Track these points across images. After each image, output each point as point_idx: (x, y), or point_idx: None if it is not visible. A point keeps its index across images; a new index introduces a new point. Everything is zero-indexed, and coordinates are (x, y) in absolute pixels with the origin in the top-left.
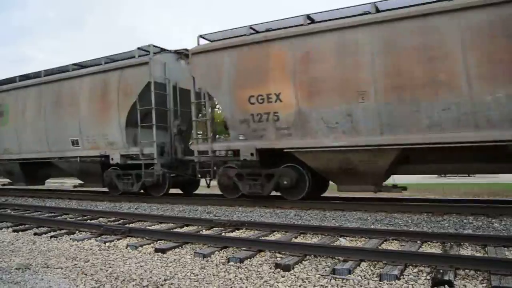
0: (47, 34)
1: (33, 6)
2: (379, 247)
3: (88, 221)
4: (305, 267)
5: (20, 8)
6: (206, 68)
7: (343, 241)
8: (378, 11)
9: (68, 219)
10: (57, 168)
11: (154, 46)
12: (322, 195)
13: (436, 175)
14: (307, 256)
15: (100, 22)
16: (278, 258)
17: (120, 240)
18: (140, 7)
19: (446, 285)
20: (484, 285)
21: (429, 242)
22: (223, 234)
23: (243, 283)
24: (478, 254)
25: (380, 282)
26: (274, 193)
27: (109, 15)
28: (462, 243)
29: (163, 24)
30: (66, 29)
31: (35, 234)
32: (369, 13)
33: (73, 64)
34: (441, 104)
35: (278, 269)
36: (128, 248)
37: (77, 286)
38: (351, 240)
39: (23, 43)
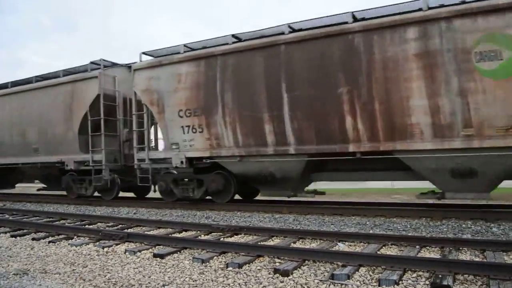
0: (40, 38)
1: (24, 10)
2: (378, 252)
3: (87, 226)
4: (304, 272)
5: (11, 12)
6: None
7: (342, 246)
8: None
9: (66, 224)
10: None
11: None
12: (321, 200)
13: None
14: (306, 261)
15: (92, 26)
16: (277, 263)
17: (119, 245)
18: (134, 11)
19: None
20: None
21: (428, 247)
22: (221, 239)
23: None
24: (477, 259)
25: None
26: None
27: (101, 19)
28: (461, 248)
29: (159, 28)
30: (59, 33)
31: (33, 239)
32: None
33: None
34: None
35: (277, 274)
36: (127, 253)
37: None
38: (350, 245)
39: (16, 47)
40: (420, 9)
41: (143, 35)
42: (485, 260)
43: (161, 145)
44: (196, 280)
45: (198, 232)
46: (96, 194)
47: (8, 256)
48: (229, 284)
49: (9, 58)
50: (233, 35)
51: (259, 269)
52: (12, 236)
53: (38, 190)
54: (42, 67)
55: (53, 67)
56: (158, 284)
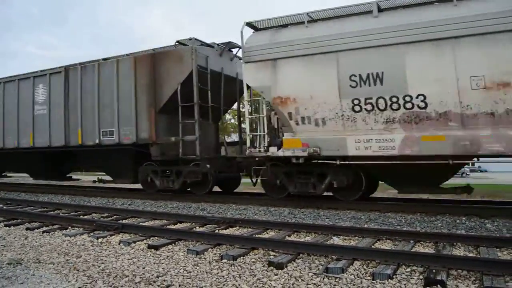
0: (32, 29)
1: (16, 1)
2: (372, 246)
3: (81, 216)
4: (298, 266)
5: (2, 4)
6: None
7: (337, 240)
8: None
9: (60, 214)
10: None
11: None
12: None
13: None
14: (301, 255)
15: (82, 17)
16: (272, 256)
17: (113, 236)
18: (122, 4)
19: (438, 285)
20: (476, 285)
21: (422, 242)
22: (216, 231)
23: (236, 281)
24: (471, 255)
25: (373, 281)
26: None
27: (91, 11)
28: (455, 243)
29: (153, 20)
30: (50, 25)
31: (27, 229)
32: None
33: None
34: None
35: (271, 267)
36: (121, 244)
37: (69, 281)
38: (345, 239)
39: (9, 38)
40: None
41: (135, 28)
42: (479, 256)
43: None
44: (190, 272)
45: (193, 224)
46: None
47: (1, 245)
48: (223, 276)
49: (2, 49)
50: None
51: (253, 262)
52: (6, 225)
53: None
54: (38, 59)
55: (49, 58)
56: (153, 275)
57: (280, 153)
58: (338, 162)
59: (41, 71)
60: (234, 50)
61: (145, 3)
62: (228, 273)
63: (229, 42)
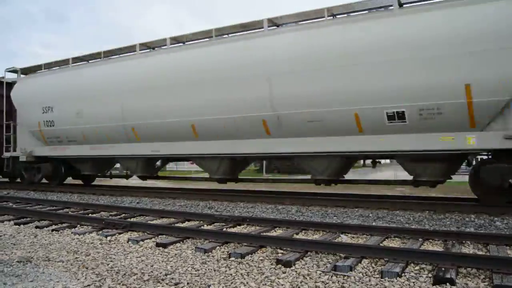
0: (33, 28)
1: (15, 1)
2: (381, 244)
3: (90, 215)
4: (306, 264)
5: (2, 3)
6: None
7: (345, 238)
8: None
9: (69, 212)
10: None
11: None
12: (324, 192)
13: None
14: (309, 253)
15: (83, 17)
16: (280, 254)
17: (122, 234)
18: (124, 2)
19: (447, 283)
20: (486, 283)
21: (430, 240)
22: (224, 229)
23: (244, 279)
24: (480, 253)
25: (381, 279)
26: None
27: (92, 11)
28: (464, 241)
29: (156, 20)
30: (51, 24)
31: (36, 227)
32: None
33: None
34: None
35: (279, 265)
36: (129, 242)
37: (78, 279)
38: (353, 237)
39: (9, 37)
40: None
41: (136, 27)
42: (489, 254)
43: None
44: (198, 270)
45: (201, 222)
46: None
47: (11, 243)
48: (231, 274)
49: (1, 48)
50: None
51: (261, 260)
52: (15, 224)
53: None
54: (42, 58)
55: (53, 58)
56: (161, 273)
57: None
58: None
59: None
60: None
61: (147, 2)
62: (236, 271)
63: None
